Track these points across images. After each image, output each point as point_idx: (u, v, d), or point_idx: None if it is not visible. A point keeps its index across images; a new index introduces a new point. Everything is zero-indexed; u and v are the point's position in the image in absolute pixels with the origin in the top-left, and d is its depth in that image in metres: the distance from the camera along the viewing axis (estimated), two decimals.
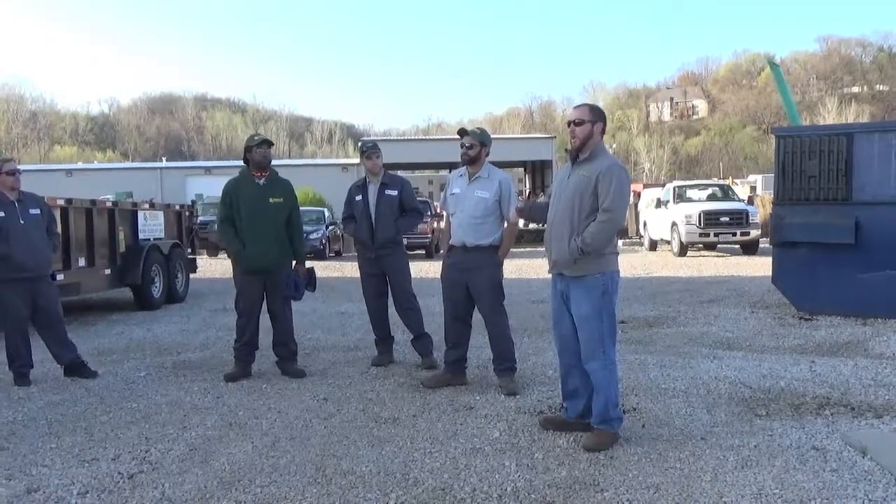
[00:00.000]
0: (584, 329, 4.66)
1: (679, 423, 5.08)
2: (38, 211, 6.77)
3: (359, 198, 7.00)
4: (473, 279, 5.96)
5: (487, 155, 6.06)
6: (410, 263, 7.37)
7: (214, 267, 18.88)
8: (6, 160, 6.67)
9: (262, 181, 6.60)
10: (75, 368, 6.74)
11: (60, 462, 4.50)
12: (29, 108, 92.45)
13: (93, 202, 10.71)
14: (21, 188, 6.70)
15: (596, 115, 4.76)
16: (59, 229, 7.83)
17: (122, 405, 5.79)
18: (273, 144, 6.89)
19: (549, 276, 5.04)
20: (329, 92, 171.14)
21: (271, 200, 6.56)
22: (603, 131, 4.79)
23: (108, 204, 11.17)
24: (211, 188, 37.58)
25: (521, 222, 5.98)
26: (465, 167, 6.10)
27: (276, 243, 6.57)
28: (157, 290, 11.69)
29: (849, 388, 5.90)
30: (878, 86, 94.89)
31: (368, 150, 7.04)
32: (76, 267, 9.83)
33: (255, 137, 6.68)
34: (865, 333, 8.21)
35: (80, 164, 59.40)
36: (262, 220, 6.50)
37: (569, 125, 4.77)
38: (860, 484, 3.93)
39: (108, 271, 10.72)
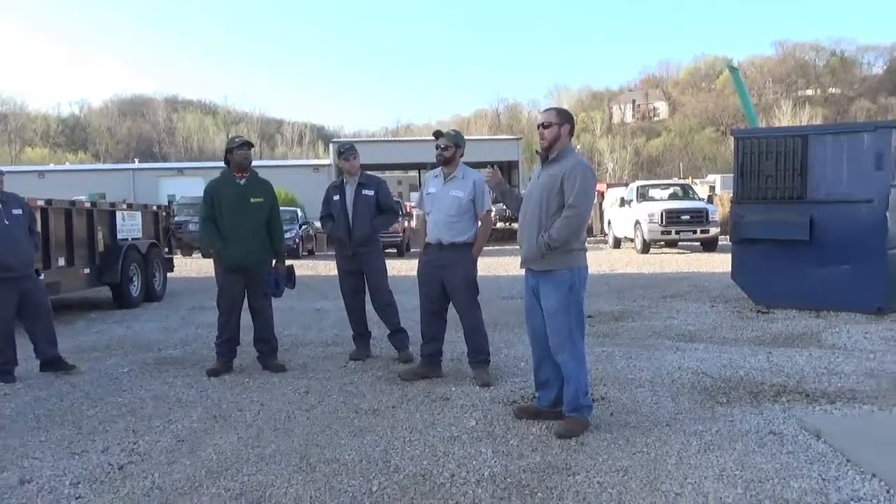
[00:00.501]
0: (553, 322, 4.76)
1: (645, 410, 5.20)
2: (20, 211, 6.75)
3: (336, 197, 7.05)
4: (448, 275, 6.04)
5: (462, 156, 6.15)
6: None
7: (190, 266, 18.74)
8: None
9: (242, 181, 6.63)
10: (52, 364, 6.72)
11: (51, 454, 4.51)
12: None
13: (72, 203, 10.66)
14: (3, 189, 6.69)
15: (563, 117, 4.87)
16: (39, 228, 7.80)
17: (108, 400, 5.80)
18: (253, 146, 6.95)
19: (519, 273, 5.15)
20: (299, 94, 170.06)
21: (252, 200, 6.60)
22: (571, 133, 4.90)
23: (87, 205, 11.09)
24: (183, 189, 37.32)
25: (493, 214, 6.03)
26: (440, 168, 6.18)
27: (257, 242, 6.60)
28: (135, 288, 11.63)
29: (804, 376, 6.06)
30: (830, 89, 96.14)
31: (346, 151, 7.07)
32: (56, 266, 9.76)
33: (236, 139, 6.71)
34: (819, 325, 8.42)
35: (51, 166, 58.46)
36: (243, 219, 6.53)
37: (538, 128, 4.87)
38: (814, 465, 4.07)
39: (86, 271, 10.64)
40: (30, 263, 6.78)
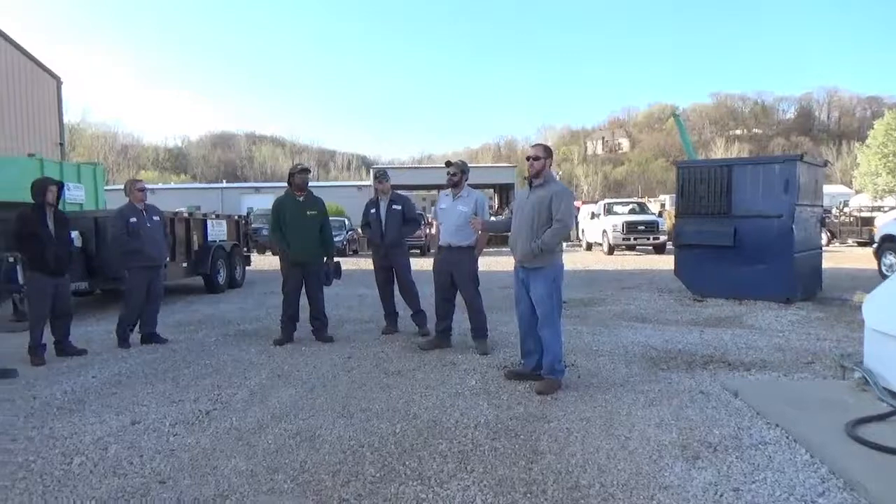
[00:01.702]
0: (540, 305, 4.78)
1: (605, 374, 5.20)
2: (157, 218, 6.84)
3: (373, 211, 7.07)
4: (456, 270, 6.04)
5: (467, 180, 6.15)
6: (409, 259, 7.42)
7: (263, 261, 18.81)
8: (138, 180, 6.83)
9: (301, 198, 6.66)
10: (150, 337, 6.75)
11: (155, 403, 4.58)
12: (121, 142, 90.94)
13: (175, 213, 10.73)
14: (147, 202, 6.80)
15: (547, 152, 4.89)
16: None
17: (199, 362, 5.87)
18: (310, 171, 6.96)
19: (512, 269, 5.15)
20: (349, 130, 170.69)
21: (308, 213, 6.62)
22: (551, 163, 4.93)
23: (186, 214, 11.18)
24: (260, 203, 37.40)
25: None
26: (450, 189, 6.20)
27: (313, 244, 6.62)
28: (221, 278, 11.68)
29: (727, 349, 6.04)
30: (754, 129, 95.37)
31: (381, 176, 7.12)
32: None
33: (297, 166, 6.74)
34: (741, 311, 8.36)
35: (160, 185, 58.70)
36: (301, 227, 6.56)
37: (528, 159, 4.89)
38: (732, 417, 4.07)
39: (185, 264, 10.74)
40: (163, 258, 6.91)
